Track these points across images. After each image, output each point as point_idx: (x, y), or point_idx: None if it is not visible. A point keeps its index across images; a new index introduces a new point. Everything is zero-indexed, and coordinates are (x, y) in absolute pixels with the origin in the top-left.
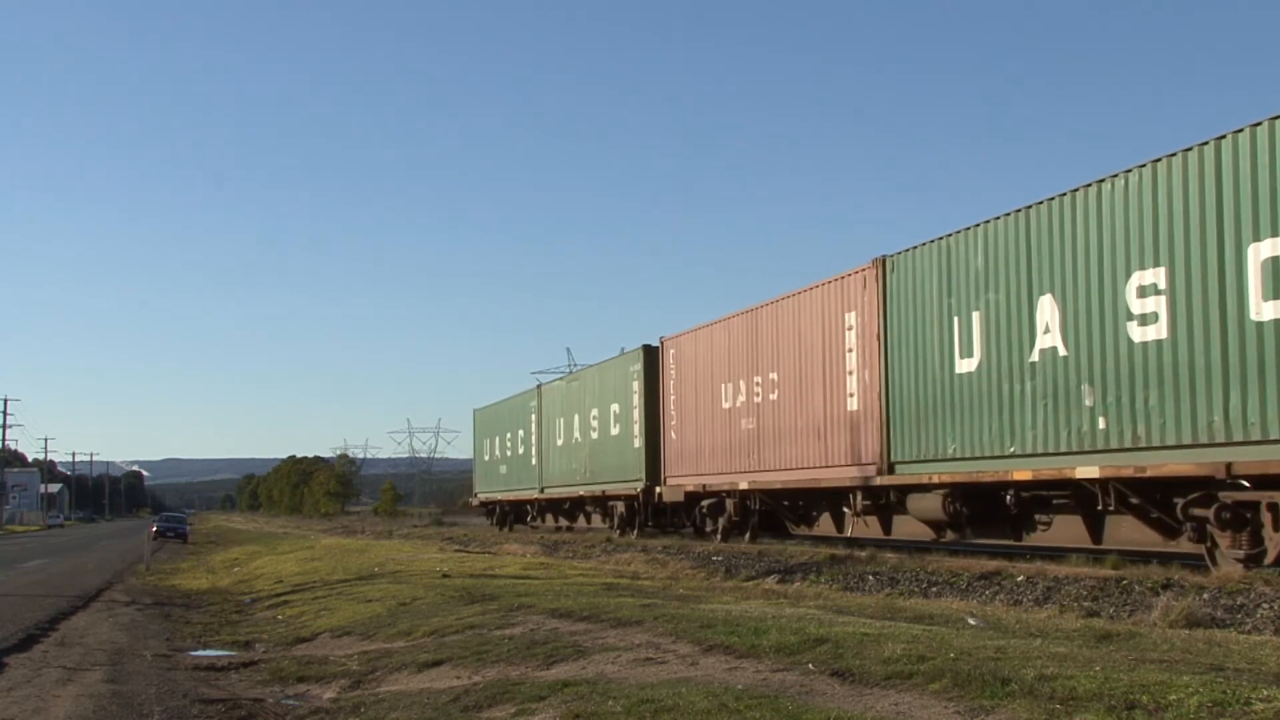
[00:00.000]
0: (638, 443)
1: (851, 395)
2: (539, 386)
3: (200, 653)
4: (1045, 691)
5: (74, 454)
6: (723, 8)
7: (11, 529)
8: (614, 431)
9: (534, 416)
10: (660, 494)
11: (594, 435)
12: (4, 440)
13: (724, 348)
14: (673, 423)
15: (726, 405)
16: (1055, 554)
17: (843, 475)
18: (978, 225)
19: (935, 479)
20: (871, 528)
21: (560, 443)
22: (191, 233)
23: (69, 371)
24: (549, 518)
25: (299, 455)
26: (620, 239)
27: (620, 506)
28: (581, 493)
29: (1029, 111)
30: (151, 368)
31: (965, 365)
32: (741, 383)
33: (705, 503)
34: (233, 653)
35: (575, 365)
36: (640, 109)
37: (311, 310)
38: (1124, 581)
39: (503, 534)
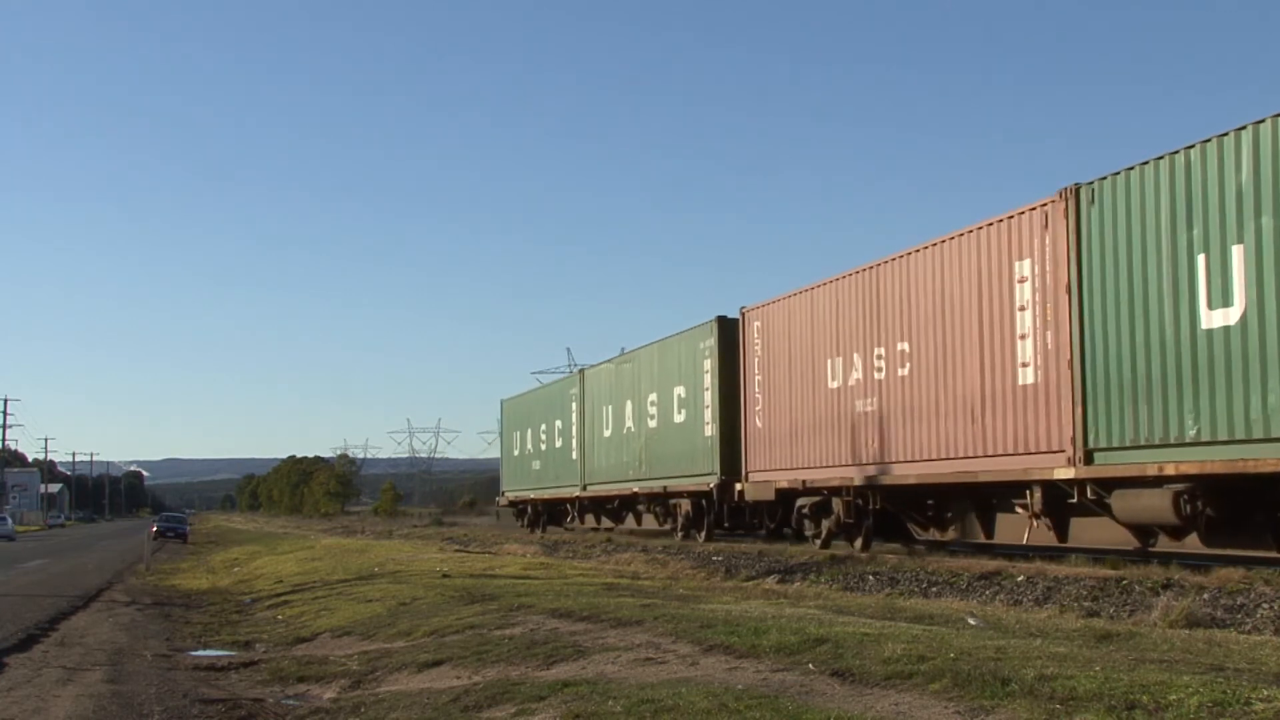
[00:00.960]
0: (709, 430)
1: (1025, 365)
2: (580, 371)
3: (200, 653)
4: (1045, 691)
5: (74, 454)
6: (723, 8)
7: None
8: (678, 418)
9: (575, 405)
10: (741, 491)
11: (652, 423)
12: (4, 440)
13: (829, 316)
14: (758, 407)
15: (834, 384)
16: (1057, 554)
17: (1009, 466)
18: (1240, 129)
19: (1166, 470)
20: (1041, 533)
21: (607, 434)
22: (191, 233)
23: (69, 371)
24: (591, 518)
25: (299, 455)
26: (620, 239)
27: (685, 505)
28: (635, 489)
29: (1035, 110)
30: (151, 368)
31: (1218, 318)
32: (856, 356)
33: (805, 502)
34: (233, 653)
35: (575, 365)
36: (640, 109)
37: (311, 310)
38: (1124, 581)
39: (535, 536)
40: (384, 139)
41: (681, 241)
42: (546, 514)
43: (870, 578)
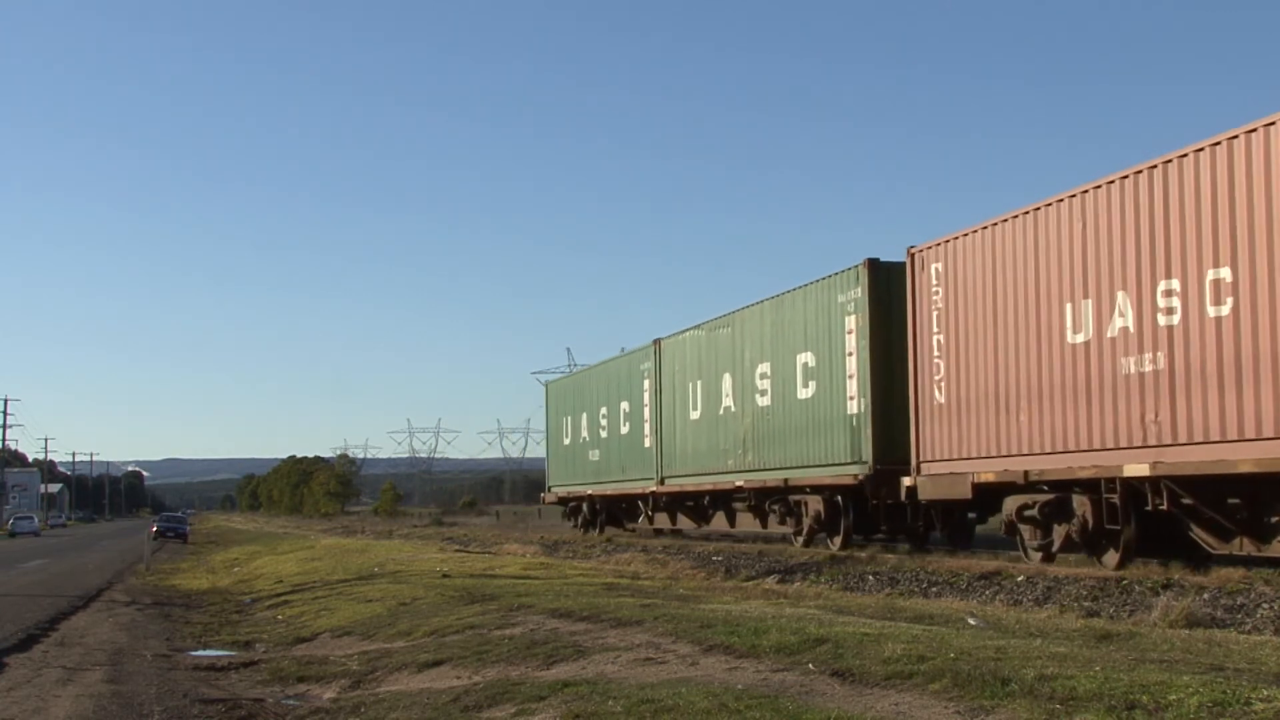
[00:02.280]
0: (854, 407)
1: None
2: (656, 342)
3: (200, 653)
4: (1045, 691)
5: (74, 454)
6: (723, 8)
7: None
8: (804, 393)
9: (648, 382)
10: (912, 486)
11: (762, 401)
12: (4, 440)
13: (1066, 245)
14: (938, 375)
15: (1077, 338)
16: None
17: None
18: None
19: None
20: None
21: (695, 415)
22: (191, 233)
23: (69, 371)
24: (666, 517)
25: (299, 455)
26: (620, 239)
27: (815, 503)
28: (738, 483)
29: (1038, 110)
30: (151, 368)
31: None
32: (1122, 296)
33: (1024, 501)
34: (233, 653)
35: (575, 365)
36: (640, 109)
37: (311, 310)
38: (1124, 581)
39: (590, 538)
40: (384, 139)
41: (682, 241)
42: (605, 512)
43: (870, 578)
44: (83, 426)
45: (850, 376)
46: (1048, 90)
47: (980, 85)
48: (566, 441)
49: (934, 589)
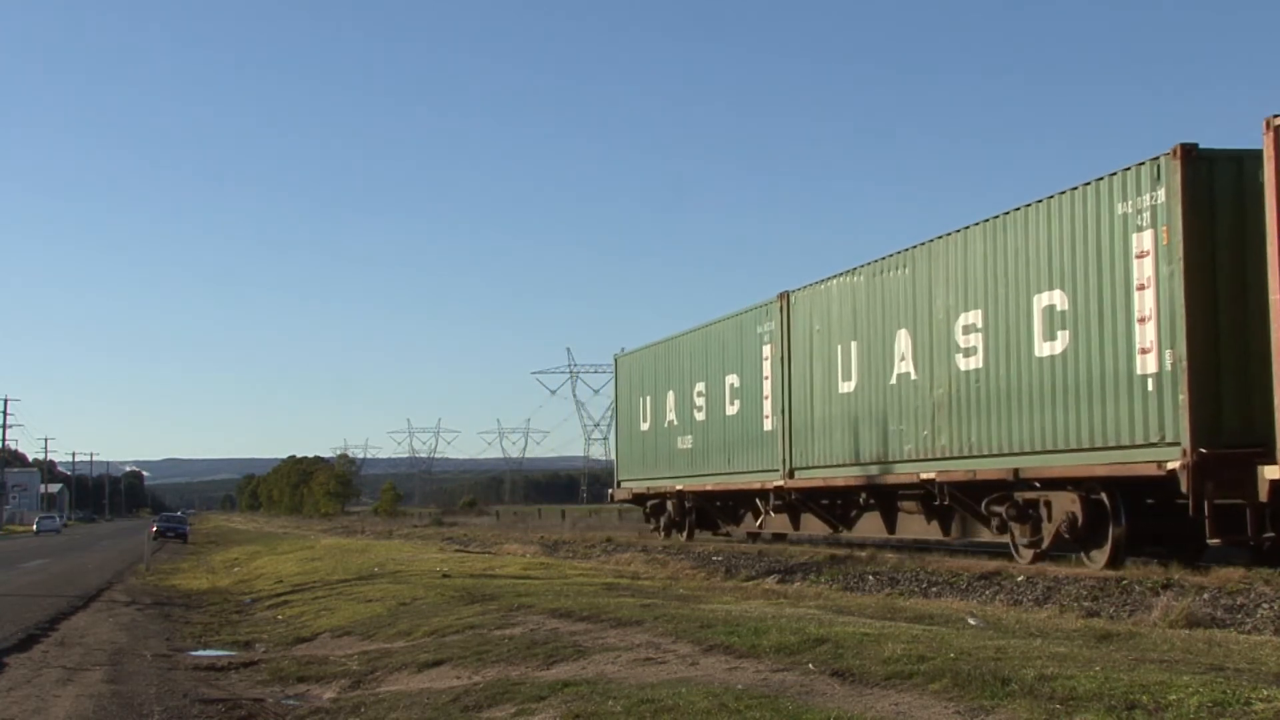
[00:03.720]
0: (1152, 363)
1: None
2: (783, 296)
3: (200, 653)
4: (1045, 691)
5: (74, 454)
6: (725, 8)
7: (12, 529)
8: (1046, 348)
9: (768, 349)
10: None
11: (969, 362)
12: (4, 440)
13: None
14: None
15: None
16: (1060, 554)
17: None
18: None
19: None
20: None
21: (849, 387)
22: (191, 233)
23: (69, 371)
24: (790, 520)
25: (299, 455)
26: (620, 239)
27: (1067, 503)
28: (927, 474)
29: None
30: (151, 368)
31: None
32: None
33: None
34: (233, 653)
35: (575, 365)
36: (641, 109)
37: (311, 310)
38: (1124, 581)
39: (674, 541)
40: (384, 139)
41: (682, 241)
42: (697, 511)
43: (870, 578)
44: (83, 426)
45: (1142, 320)
46: (1049, 90)
47: (984, 85)
48: (644, 426)
49: (934, 589)
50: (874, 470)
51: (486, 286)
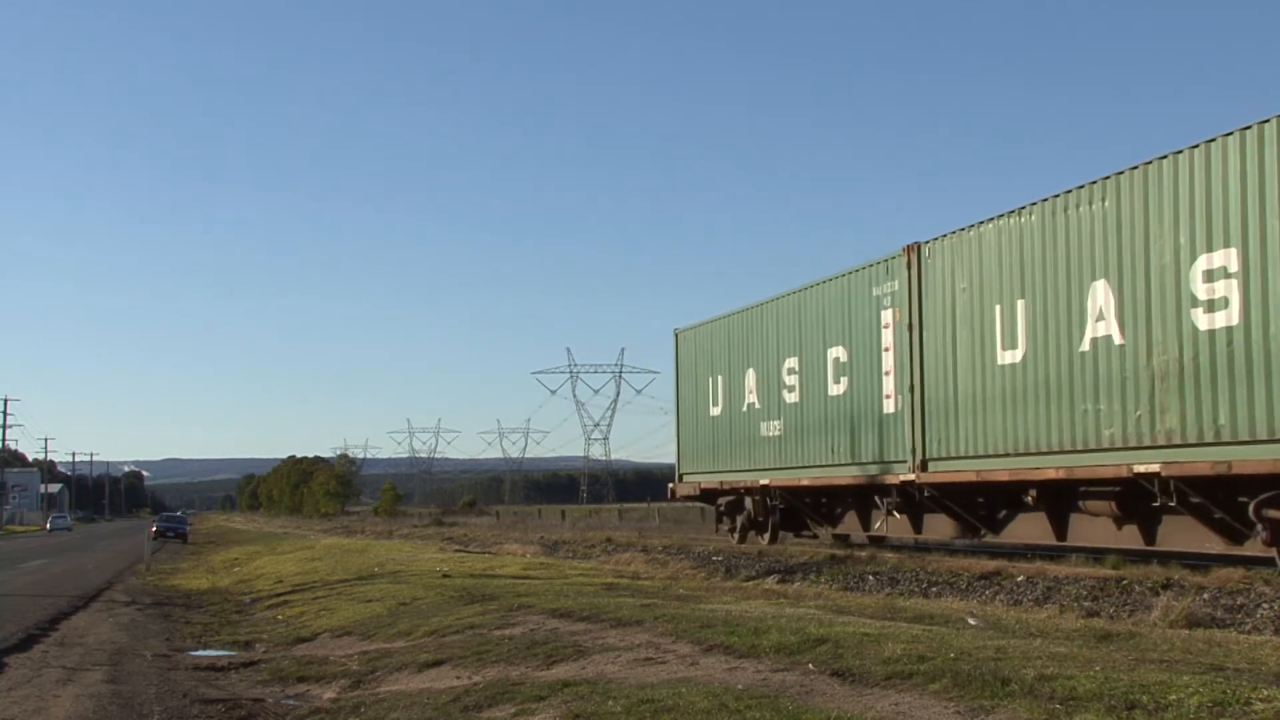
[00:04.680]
0: None
1: None
2: (911, 249)
3: (200, 653)
4: (1045, 691)
5: (74, 454)
6: (725, 8)
7: (11, 529)
8: None
9: (890, 314)
10: None
11: (1211, 318)
12: (4, 440)
13: None
14: None
15: None
16: (1057, 553)
17: None
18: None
19: None
20: None
21: (1012, 357)
22: (191, 233)
23: (69, 371)
24: (912, 522)
25: (299, 455)
26: (621, 239)
27: None
28: (1147, 467)
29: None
30: (151, 368)
31: None
32: None
33: None
34: (233, 653)
35: (575, 365)
36: (641, 109)
37: (311, 310)
38: (1124, 581)
39: (762, 546)
40: (385, 139)
41: (683, 241)
42: (784, 510)
43: (870, 578)
44: (83, 426)
45: None
46: (1053, 89)
47: (989, 83)
48: (715, 410)
49: (934, 589)
50: (1049, 461)
51: (486, 286)
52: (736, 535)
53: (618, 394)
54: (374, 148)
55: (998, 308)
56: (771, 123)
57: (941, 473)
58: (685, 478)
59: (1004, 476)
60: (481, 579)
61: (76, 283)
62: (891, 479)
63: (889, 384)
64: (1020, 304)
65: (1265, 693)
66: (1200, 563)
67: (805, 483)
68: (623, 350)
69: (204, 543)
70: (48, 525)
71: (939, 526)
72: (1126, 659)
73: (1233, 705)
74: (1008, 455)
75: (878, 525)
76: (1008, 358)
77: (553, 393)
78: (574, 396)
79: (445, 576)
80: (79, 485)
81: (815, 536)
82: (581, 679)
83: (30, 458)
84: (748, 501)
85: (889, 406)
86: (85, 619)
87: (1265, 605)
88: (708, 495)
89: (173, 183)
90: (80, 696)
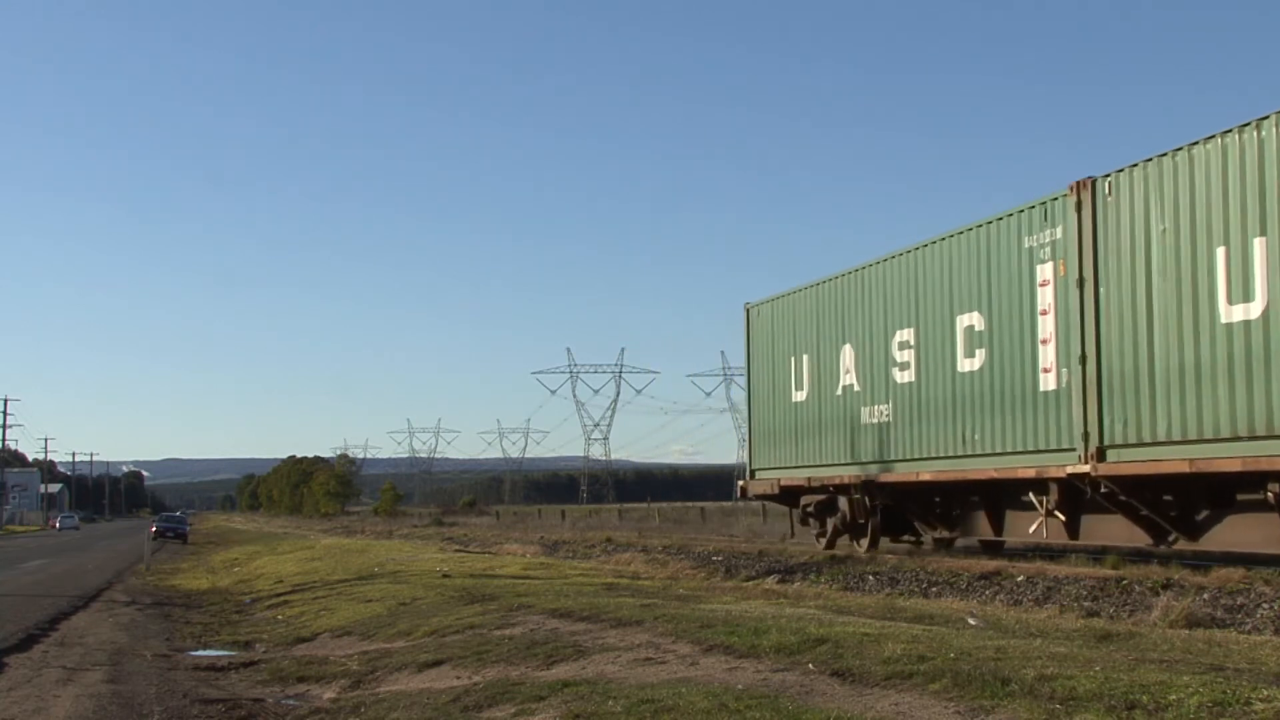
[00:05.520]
0: None
1: None
2: (1081, 185)
3: (200, 653)
4: (1045, 691)
5: (74, 454)
6: (726, 8)
7: (11, 529)
8: None
9: (1047, 268)
10: None
11: None
12: (4, 440)
13: None
14: None
15: None
16: (1058, 554)
17: None
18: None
19: None
20: None
21: (1244, 313)
22: (191, 233)
23: (69, 371)
24: (1066, 525)
25: (299, 455)
26: (621, 239)
27: None
28: None
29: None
30: (151, 368)
31: None
32: None
33: None
34: (233, 653)
35: (575, 365)
36: (641, 109)
37: (311, 310)
38: (1124, 581)
39: (859, 553)
40: (384, 139)
41: (682, 241)
42: (883, 510)
43: (870, 578)
44: (83, 426)
45: None
46: (1055, 89)
47: (993, 83)
48: (799, 395)
49: (934, 589)
50: None
51: (486, 286)
52: (825, 539)
53: (618, 394)
54: (374, 148)
55: (1221, 251)
56: (772, 122)
57: (1130, 463)
58: (759, 474)
59: (1234, 467)
60: (481, 579)
61: (76, 283)
62: (1054, 471)
63: (1047, 354)
64: (1259, 243)
65: (1265, 693)
66: (1201, 562)
67: (924, 477)
68: (623, 350)
69: (204, 543)
70: (56, 524)
71: (1108, 530)
72: (1126, 659)
73: (1233, 705)
74: (1237, 439)
75: (1033, 529)
76: (1238, 314)
77: (553, 393)
78: (574, 396)
79: (445, 576)
80: (79, 485)
81: (920, 542)
82: (581, 679)
83: (30, 458)
84: (842, 501)
85: (1047, 382)
86: (85, 619)
87: (1265, 605)
88: (788, 494)
89: (173, 183)
90: (80, 696)
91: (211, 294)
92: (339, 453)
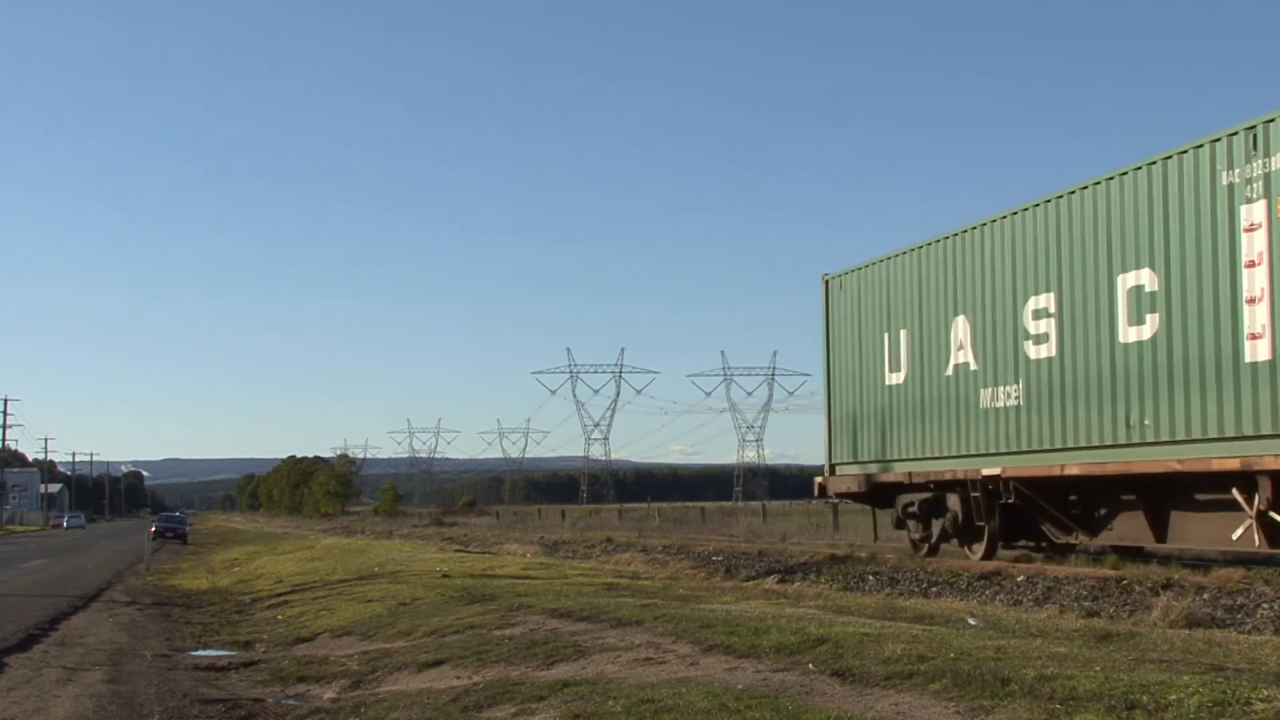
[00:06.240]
0: None
1: None
2: None
3: (200, 653)
4: (1045, 691)
5: (74, 454)
6: (726, 8)
7: (11, 529)
8: None
9: (1258, 211)
10: None
11: None
12: (4, 440)
13: None
14: None
15: None
16: (1057, 553)
17: None
18: None
19: None
20: None
21: None
22: (191, 233)
23: (69, 371)
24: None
25: (299, 455)
26: (621, 239)
27: None
28: None
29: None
30: (151, 368)
31: None
32: None
33: None
34: (233, 653)
35: (575, 365)
36: (642, 109)
37: (311, 310)
38: (1124, 581)
39: (975, 562)
40: (384, 139)
41: (682, 242)
42: (1005, 510)
43: (870, 578)
44: (83, 426)
45: None
46: (1056, 89)
47: (991, 83)
48: (895, 378)
49: (934, 589)
50: None
51: (486, 286)
52: (927, 545)
53: (618, 394)
54: (374, 147)
55: None
56: (775, 123)
57: None
58: (840, 469)
59: None
60: (481, 579)
61: (76, 283)
62: (1268, 463)
63: (1256, 317)
64: None
65: (1265, 693)
66: (1200, 562)
67: (1073, 472)
68: (623, 350)
69: (204, 543)
70: (64, 523)
71: None
72: (1126, 659)
73: (1233, 705)
74: None
75: (1238, 534)
76: None
77: (553, 393)
78: (574, 396)
79: (445, 576)
80: (79, 485)
81: (1040, 548)
82: (581, 679)
83: (30, 458)
84: (951, 499)
85: (1256, 352)
86: (85, 619)
87: (1265, 605)
88: (880, 491)
89: (173, 183)
90: (80, 696)
91: (211, 294)
92: (339, 453)
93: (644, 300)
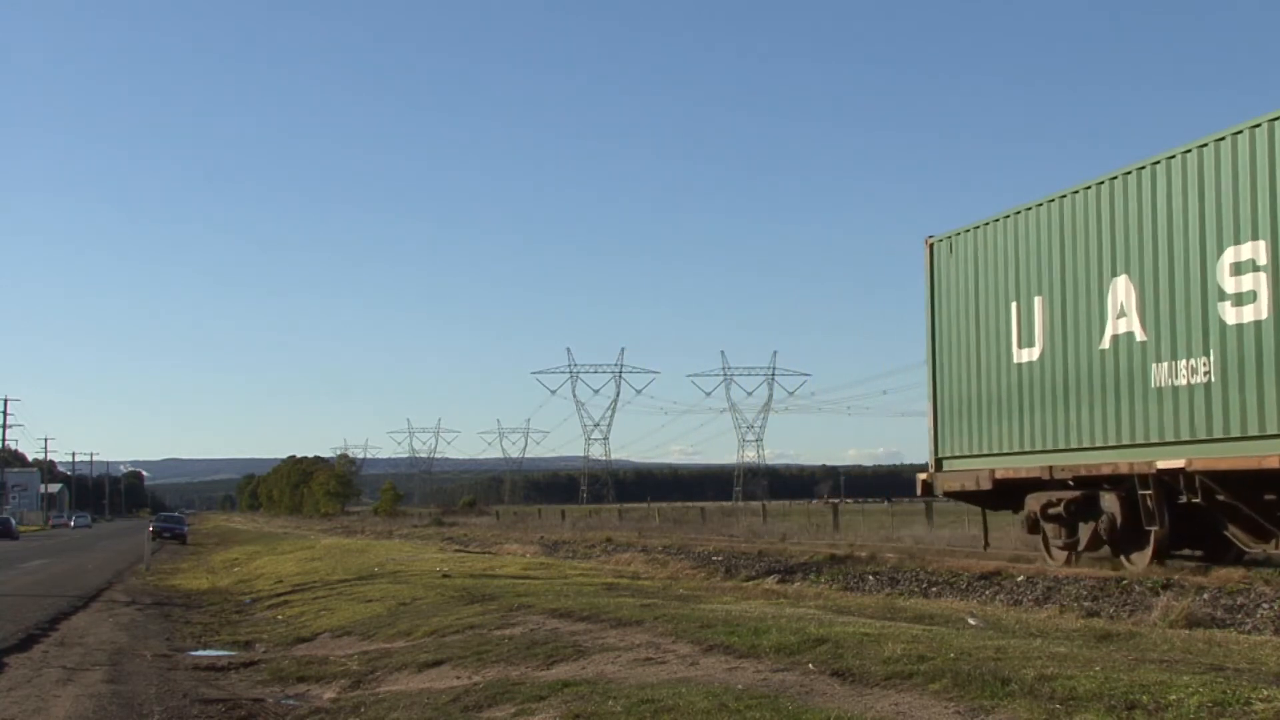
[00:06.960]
0: None
1: None
2: None
3: (200, 653)
4: (1045, 691)
5: (74, 454)
6: (726, 8)
7: None
8: None
9: None
10: None
11: None
12: (4, 440)
13: None
14: None
15: None
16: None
17: None
18: None
19: None
20: None
21: None
22: (191, 233)
23: (69, 371)
24: None
25: (299, 455)
26: (621, 239)
27: None
28: None
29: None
30: (151, 368)
31: None
32: None
33: None
34: (233, 653)
35: (575, 365)
36: (642, 109)
37: (311, 310)
38: (1124, 581)
39: (1135, 572)
40: (383, 139)
41: (683, 241)
42: (1176, 512)
43: (870, 578)
44: (83, 426)
45: None
46: (1056, 89)
47: (989, 83)
48: (1026, 355)
49: (934, 589)
50: None
51: (486, 286)
52: (1072, 552)
53: (618, 394)
54: (373, 147)
55: None
56: (775, 124)
57: None
58: (950, 464)
59: None
60: (481, 579)
61: (77, 283)
62: None
63: None
64: None
65: (1265, 693)
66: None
67: (1274, 464)
68: (623, 350)
69: (204, 543)
70: (71, 523)
71: None
72: (1126, 659)
73: (1233, 705)
74: None
75: None
76: None
77: (553, 393)
78: (574, 396)
79: (445, 576)
80: (79, 485)
81: (1205, 558)
82: (581, 679)
83: (30, 458)
84: (1107, 499)
85: None
86: (85, 619)
87: (1265, 605)
88: (1006, 490)
89: (173, 183)
90: (80, 696)
91: (211, 294)
92: (339, 453)
93: (644, 300)
